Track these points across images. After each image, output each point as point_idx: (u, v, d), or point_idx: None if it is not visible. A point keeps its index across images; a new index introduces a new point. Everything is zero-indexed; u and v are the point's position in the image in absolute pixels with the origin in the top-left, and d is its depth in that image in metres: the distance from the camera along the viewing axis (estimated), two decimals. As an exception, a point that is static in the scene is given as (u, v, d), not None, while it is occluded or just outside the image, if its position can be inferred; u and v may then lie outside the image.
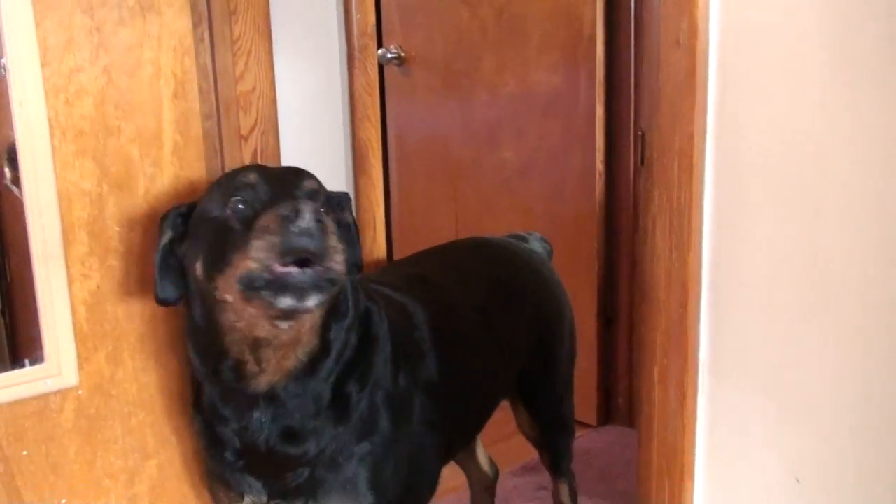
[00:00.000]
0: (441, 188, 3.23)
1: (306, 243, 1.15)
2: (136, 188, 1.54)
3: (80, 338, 1.51)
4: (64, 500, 1.54)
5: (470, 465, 2.23)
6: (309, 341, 1.31)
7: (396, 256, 2.79)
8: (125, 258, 1.54)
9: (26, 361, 1.51)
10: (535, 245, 2.03)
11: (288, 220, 1.15)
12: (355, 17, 1.85)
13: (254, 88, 1.65)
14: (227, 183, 1.31)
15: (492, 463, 2.24)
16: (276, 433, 1.34)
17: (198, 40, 1.58)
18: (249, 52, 1.63)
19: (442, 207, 3.24)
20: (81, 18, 1.45)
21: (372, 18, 1.88)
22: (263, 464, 1.38)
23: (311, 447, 1.36)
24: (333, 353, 1.35)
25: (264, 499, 1.41)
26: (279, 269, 1.16)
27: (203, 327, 1.33)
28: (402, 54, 3.23)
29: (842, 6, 0.90)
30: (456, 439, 1.69)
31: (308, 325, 1.29)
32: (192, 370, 1.42)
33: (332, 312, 1.33)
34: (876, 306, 0.93)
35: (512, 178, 3.00)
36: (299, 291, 1.17)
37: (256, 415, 1.34)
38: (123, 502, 1.61)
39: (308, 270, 1.17)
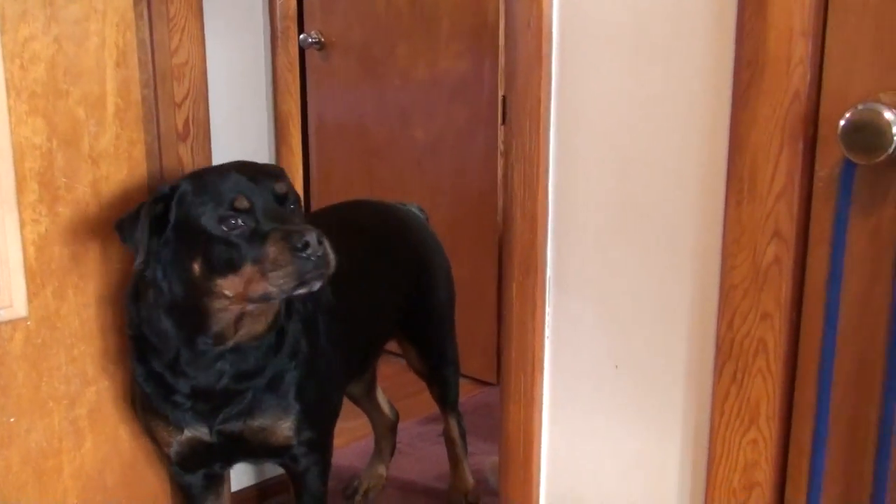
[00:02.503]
0: (357, 165, 3.43)
1: (315, 265, 1.40)
2: (81, 145, 1.74)
3: (29, 275, 1.70)
4: (13, 419, 1.73)
5: (373, 411, 2.44)
6: (275, 306, 1.57)
7: (314, 225, 2.96)
8: (71, 206, 1.74)
9: (-18, 294, 1.68)
10: (414, 209, 2.28)
11: (300, 251, 1.38)
12: (278, 1, 2.06)
13: (187, 61, 1.84)
14: (217, 197, 1.45)
15: (392, 407, 2.47)
16: (232, 375, 1.58)
17: (138, 16, 1.78)
18: (184, 28, 1.82)
19: (358, 182, 3.42)
20: (36, -7, 1.63)
21: (293, 3, 2.09)
22: (213, 400, 1.59)
23: (258, 381, 1.60)
24: (282, 308, 1.60)
25: (205, 429, 1.62)
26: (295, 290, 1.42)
27: (185, 305, 1.51)
28: (322, 39, 3.41)
29: (643, 5, 1.19)
30: (354, 356, 1.93)
31: None
32: (152, 332, 1.56)
33: None
34: (665, 231, 1.21)
35: (422, 157, 3.22)
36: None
37: (219, 365, 1.57)
38: (65, 423, 1.81)
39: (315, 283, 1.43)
